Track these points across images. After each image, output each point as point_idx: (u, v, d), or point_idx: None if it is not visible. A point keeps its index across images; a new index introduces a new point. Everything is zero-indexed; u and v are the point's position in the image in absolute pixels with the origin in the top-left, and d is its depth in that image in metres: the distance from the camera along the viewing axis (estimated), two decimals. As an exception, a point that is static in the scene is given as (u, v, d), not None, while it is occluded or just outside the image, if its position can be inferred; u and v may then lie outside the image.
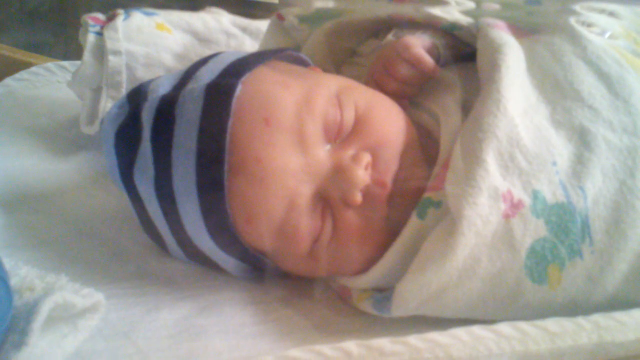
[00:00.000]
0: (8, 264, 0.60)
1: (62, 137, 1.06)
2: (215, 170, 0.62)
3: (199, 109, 0.64)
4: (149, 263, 0.77)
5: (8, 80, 1.23)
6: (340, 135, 0.66)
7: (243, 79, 0.66)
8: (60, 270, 0.68)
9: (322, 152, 0.65)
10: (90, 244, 0.80)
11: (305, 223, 0.64)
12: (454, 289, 0.59)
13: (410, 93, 0.77)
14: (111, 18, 1.05)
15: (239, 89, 0.64)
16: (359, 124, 0.67)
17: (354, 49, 0.92)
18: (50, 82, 1.28)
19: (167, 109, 0.66)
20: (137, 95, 0.71)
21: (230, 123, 0.62)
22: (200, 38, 1.08)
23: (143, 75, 0.98)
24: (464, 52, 0.78)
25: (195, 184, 0.63)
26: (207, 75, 0.67)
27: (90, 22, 1.03)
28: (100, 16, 1.06)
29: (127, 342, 0.62)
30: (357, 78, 0.77)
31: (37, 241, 0.79)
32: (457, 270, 0.58)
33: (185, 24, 1.09)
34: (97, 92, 1.00)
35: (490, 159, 0.60)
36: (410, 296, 0.60)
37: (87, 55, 1.00)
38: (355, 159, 0.65)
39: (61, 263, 0.74)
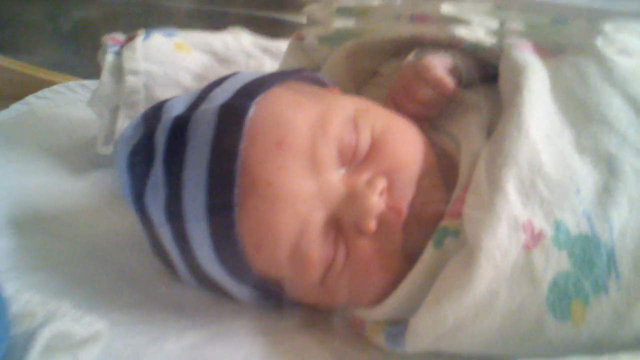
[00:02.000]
0: (12, 288, 0.59)
1: (80, 155, 1.05)
2: (226, 193, 0.60)
3: (211, 130, 0.62)
4: (158, 288, 0.75)
5: (30, 98, 1.24)
6: (356, 159, 0.64)
7: (257, 100, 0.64)
8: (67, 295, 0.69)
9: (335, 177, 0.63)
10: (99, 267, 0.78)
11: (317, 251, 0.62)
12: (472, 324, 0.56)
13: (430, 115, 0.75)
14: (131, 38, 1.04)
15: (252, 110, 0.63)
16: (375, 148, 0.64)
17: (375, 70, 0.90)
18: (71, 101, 1.28)
19: (180, 129, 0.65)
20: (152, 116, 0.70)
21: (242, 145, 0.61)
22: (220, 58, 1.07)
23: (161, 95, 0.97)
24: (487, 73, 0.76)
25: (205, 207, 0.61)
26: (221, 96, 0.66)
27: (110, 42, 1.03)
28: (120, 37, 1.06)
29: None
30: (378, 99, 0.75)
31: (46, 263, 0.78)
32: (475, 304, 0.56)
33: (205, 44, 1.08)
34: (115, 111, 1.00)
35: (511, 187, 0.58)
36: (425, 331, 0.58)
37: (105, 74, 0.99)
38: (370, 184, 0.62)
39: (68, 287, 0.73)
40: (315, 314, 0.71)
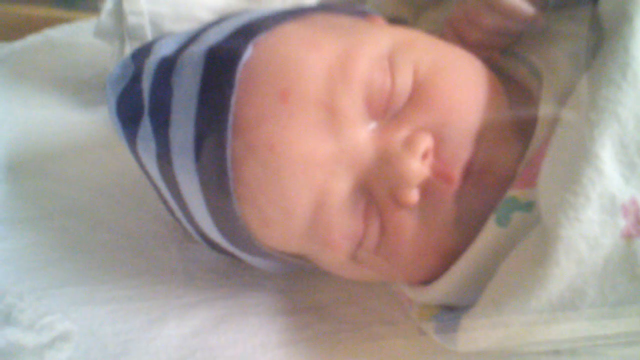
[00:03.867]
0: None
1: (95, 86, 0.94)
2: (217, 160, 0.48)
3: (197, 80, 0.50)
4: (167, 250, 0.66)
5: (47, 31, 1.13)
6: (390, 110, 0.49)
7: (255, 40, 0.50)
8: (56, 265, 0.62)
9: (362, 134, 0.48)
10: (100, 223, 0.68)
11: (341, 226, 0.50)
12: (546, 328, 0.46)
13: (502, 44, 0.59)
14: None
15: (247, 53, 0.49)
16: (418, 93, 0.49)
17: None
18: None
19: (164, 76, 0.53)
20: (140, 56, 0.58)
21: (234, 98, 0.48)
22: None
23: (172, 29, 0.85)
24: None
25: (196, 175, 0.50)
26: (214, 36, 0.53)
27: None
28: None
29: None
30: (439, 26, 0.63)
31: (38, 215, 0.69)
32: (551, 306, 0.45)
33: None
34: (123, 41, 0.88)
35: (607, 153, 0.43)
36: (480, 336, 0.48)
37: (103, 16, 0.88)
38: (409, 143, 0.48)
39: (62, 252, 0.64)
40: (356, 286, 0.61)
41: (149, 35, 0.85)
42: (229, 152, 0.48)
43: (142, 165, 0.59)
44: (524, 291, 0.44)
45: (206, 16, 0.86)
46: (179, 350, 0.54)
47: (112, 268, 0.63)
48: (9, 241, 0.65)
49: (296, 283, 0.62)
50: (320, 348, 0.55)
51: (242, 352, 0.54)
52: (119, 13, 0.87)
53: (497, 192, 0.48)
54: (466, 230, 0.49)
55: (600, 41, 0.49)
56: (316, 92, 0.48)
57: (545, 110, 0.50)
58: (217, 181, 0.49)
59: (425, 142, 0.48)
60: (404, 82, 0.49)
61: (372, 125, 0.49)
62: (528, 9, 0.55)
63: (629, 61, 0.45)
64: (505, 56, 0.59)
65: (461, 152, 0.49)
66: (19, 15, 1.40)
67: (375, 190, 0.49)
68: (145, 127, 0.54)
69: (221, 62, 0.50)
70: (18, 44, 1.06)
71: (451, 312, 0.52)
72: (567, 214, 0.43)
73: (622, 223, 0.43)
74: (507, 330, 0.46)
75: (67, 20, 1.16)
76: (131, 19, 0.85)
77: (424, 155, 0.48)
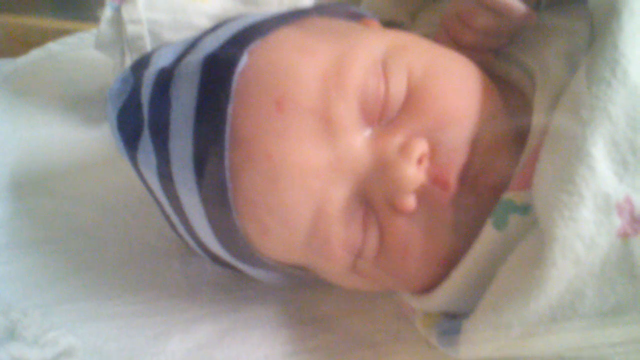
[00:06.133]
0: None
1: (97, 102, 0.93)
2: (214, 169, 0.49)
3: (194, 92, 0.50)
4: (171, 265, 0.66)
5: (50, 45, 1.12)
6: (385, 116, 0.49)
7: (251, 47, 0.50)
8: (62, 280, 0.63)
9: (358, 141, 0.48)
10: (105, 240, 0.69)
11: (340, 234, 0.50)
12: (547, 331, 0.45)
13: (496, 45, 0.58)
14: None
15: (243, 61, 0.49)
16: (412, 99, 0.49)
17: None
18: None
19: (163, 87, 0.53)
20: (139, 68, 0.58)
21: (230, 107, 0.48)
22: (245, 1, 0.92)
23: (171, 39, 0.84)
24: None
25: (195, 186, 0.50)
26: (210, 44, 0.53)
27: (110, 0, 0.89)
28: None
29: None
30: (434, 27, 0.62)
31: (43, 236, 0.69)
32: (550, 308, 0.44)
33: None
34: (123, 54, 0.88)
35: (599, 152, 0.43)
36: (481, 340, 0.47)
37: (102, 26, 0.87)
38: (404, 149, 0.47)
39: (67, 269, 0.64)
40: (359, 297, 0.61)
41: (149, 46, 0.85)
42: (227, 163, 0.48)
43: (144, 180, 0.59)
44: (522, 293, 0.44)
45: (204, 23, 0.86)
46: (184, 363, 0.54)
47: (117, 284, 0.63)
48: (14, 264, 0.65)
49: (299, 295, 0.61)
50: (324, 359, 0.55)
51: (246, 365, 0.54)
52: (118, 22, 0.87)
53: (493, 195, 0.48)
54: (464, 235, 0.49)
55: (593, 38, 0.48)
56: (311, 100, 0.48)
57: (538, 112, 0.50)
58: (217, 192, 0.49)
59: (420, 148, 0.47)
60: (398, 87, 0.49)
61: (368, 131, 0.49)
62: (520, 7, 0.54)
63: (618, 58, 0.44)
64: (499, 58, 0.58)
65: (457, 156, 0.48)
66: (21, 25, 1.41)
67: (372, 198, 0.49)
68: (146, 141, 0.54)
69: (217, 73, 0.50)
70: (21, 60, 1.06)
71: (453, 319, 0.51)
72: (562, 214, 0.43)
73: (618, 222, 0.43)
74: (508, 334, 0.45)
75: (68, 31, 1.16)
76: (130, 28, 0.85)
77: (420, 161, 0.47)
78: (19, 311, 0.49)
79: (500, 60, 0.58)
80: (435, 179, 0.48)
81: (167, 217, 0.60)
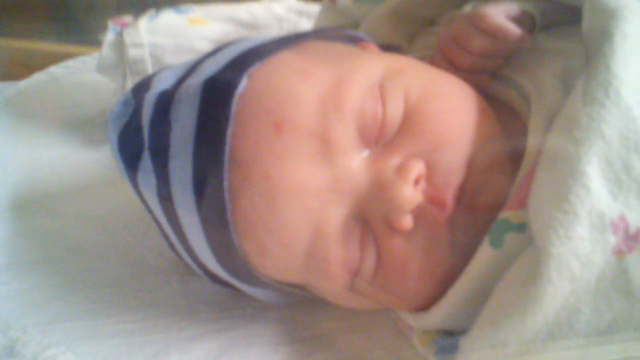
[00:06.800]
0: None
1: (99, 124, 0.94)
2: (213, 190, 0.49)
3: (194, 114, 0.51)
4: (170, 285, 0.66)
5: (52, 68, 1.13)
6: (383, 138, 0.50)
7: (250, 70, 0.51)
8: (61, 299, 0.63)
9: (356, 162, 0.49)
10: (104, 259, 0.69)
11: (338, 254, 0.50)
12: (544, 348, 0.45)
13: (492, 67, 0.59)
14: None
15: (242, 84, 0.50)
16: (409, 121, 0.50)
17: (432, 19, 0.73)
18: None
19: (163, 110, 0.54)
20: (140, 91, 0.59)
21: (230, 130, 0.49)
22: (246, 25, 0.95)
23: (172, 62, 0.86)
24: (572, 18, 0.58)
25: (194, 207, 0.51)
26: (210, 67, 0.54)
27: (112, 24, 0.92)
28: (128, 19, 0.95)
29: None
30: (430, 50, 0.64)
31: (43, 256, 0.69)
32: (547, 325, 0.44)
33: (225, 15, 0.96)
34: (125, 77, 0.90)
35: (593, 171, 0.44)
36: (479, 358, 0.48)
37: (105, 50, 0.89)
38: (401, 170, 0.48)
39: (66, 288, 0.64)
40: (357, 315, 0.61)
41: (150, 69, 0.86)
42: (226, 184, 0.49)
43: (143, 201, 0.59)
44: (519, 311, 0.44)
45: (205, 46, 0.88)
46: (182, 382, 0.54)
47: (116, 302, 0.63)
48: (14, 284, 0.65)
49: (297, 313, 0.62)
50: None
51: (244, 383, 0.54)
52: (120, 46, 0.89)
53: (490, 215, 0.48)
54: (461, 254, 0.49)
55: (587, 60, 0.49)
56: (309, 122, 0.48)
57: (534, 132, 0.50)
58: (216, 213, 0.50)
59: (417, 169, 0.48)
60: (395, 110, 0.50)
61: (365, 153, 0.50)
62: (515, 30, 0.56)
63: (611, 79, 0.45)
64: (495, 79, 0.59)
65: (453, 177, 0.49)
66: (24, 49, 1.42)
67: (370, 218, 0.50)
68: (146, 162, 0.55)
69: (217, 95, 0.50)
70: (24, 83, 1.07)
71: (450, 336, 0.52)
72: (557, 232, 0.43)
73: (612, 240, 0.43)
74: (505, 351, 0.45)
75: (70, 55, 1.17)
76: (132, 52, 0.87)
77: (416, 181, 0.48)
78: (18, 329, 0.49)
79: (496, 82, 0.60)
80: (432, 199, 0.49)
81: (167, 237, 0.61)
